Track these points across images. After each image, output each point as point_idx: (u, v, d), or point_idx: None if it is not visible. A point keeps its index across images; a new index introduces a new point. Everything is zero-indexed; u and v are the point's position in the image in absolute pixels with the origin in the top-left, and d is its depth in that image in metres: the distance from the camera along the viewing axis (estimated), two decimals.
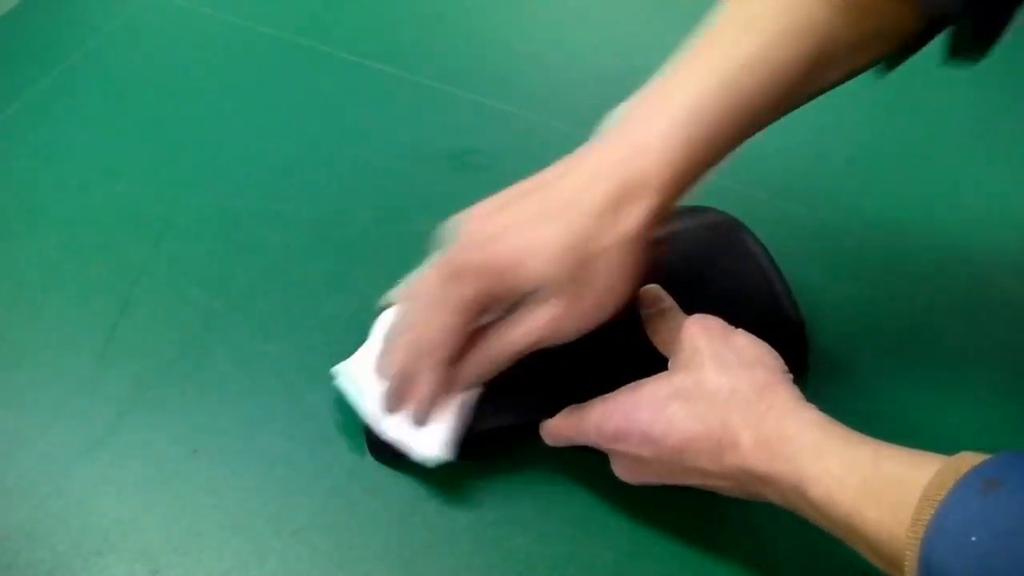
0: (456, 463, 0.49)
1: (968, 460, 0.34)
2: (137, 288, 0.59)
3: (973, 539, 0.31)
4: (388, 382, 0.48)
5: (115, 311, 0.58)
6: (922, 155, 0.69)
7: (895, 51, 0.45)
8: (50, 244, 0.61)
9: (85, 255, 0.61)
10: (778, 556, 0.48)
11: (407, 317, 0.48)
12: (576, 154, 0.45)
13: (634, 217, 0.42)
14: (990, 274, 0.61)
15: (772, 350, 0.44)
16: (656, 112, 0.43)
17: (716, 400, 0.41)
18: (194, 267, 0.60)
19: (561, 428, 0.47)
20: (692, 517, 0.49)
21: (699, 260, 0.55)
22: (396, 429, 0.49)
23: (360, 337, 0.55)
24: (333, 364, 0.52)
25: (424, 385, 0.47)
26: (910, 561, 0.33)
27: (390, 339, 0.49)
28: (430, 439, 0.48)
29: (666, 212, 0.43)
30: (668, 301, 0.48)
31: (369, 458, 0.51)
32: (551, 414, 0.48)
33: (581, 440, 0.46)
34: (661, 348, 0.47)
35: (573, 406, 0.47)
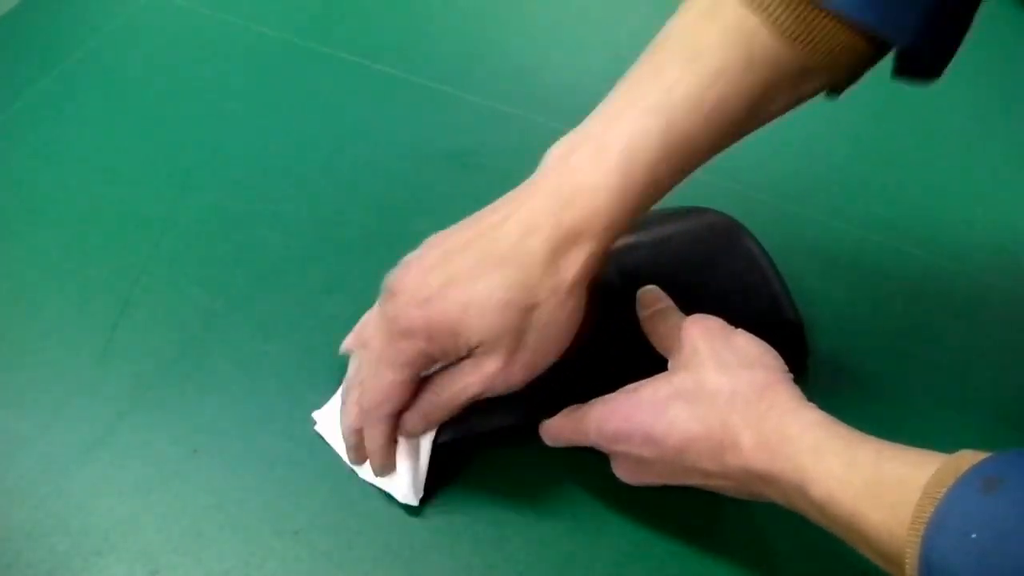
0: (456, 464, 0.49)
1: (968, 458, 0.34)
2: (137, 288, 0.59)
3: (973, 537, 0.31)
4: (344, 435, 0.50)
5: (115, 311, 0.58)
6: (921, 156, 0.69)
7: (841, 78, 0.43)
8: (50, 244, 0.61)
9: (85, 255, 0.61)
10: (778, 556, 0.48)
11: (358, 371, 0.49)
12: (514, 196, 0.44)
13: (573, 265, 0.42)
14: (989, 274, 0.61)
15: (772, 350, 0.44)
16: (594, 154, 0.42)
17: (717, 400, 0.41)
18: (194, 267, 0.60)
19: (561, 429, 0.47)
20: (692, 517, 0.49)
21: (698, 261, 0.55)
22: (370, 475, 0.50)
23: None
24: (333, 364, 0.52)
25: (373, 440, 0.48)
26: (911, 559, 0.33)
27: (345, 392, 0.50)
28: (398, 484, 0.49)
29: (605, 254, 0.43)
30: (666, 301, 0.48)
31: None
32: (551, 414, 0.48)
33: (581, 441, 0.46)
34: (660, 349, 0.47)
35: (573, 407, 0.47)
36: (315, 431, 0.52)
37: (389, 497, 0.50)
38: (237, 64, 0.75)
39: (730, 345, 0.44)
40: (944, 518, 0.32)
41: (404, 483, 0.49)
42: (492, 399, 0.47)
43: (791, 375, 0.43)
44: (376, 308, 0.48)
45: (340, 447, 0.51)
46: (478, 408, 0.46)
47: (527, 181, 0.44)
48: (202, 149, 0.68)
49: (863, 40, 0.41)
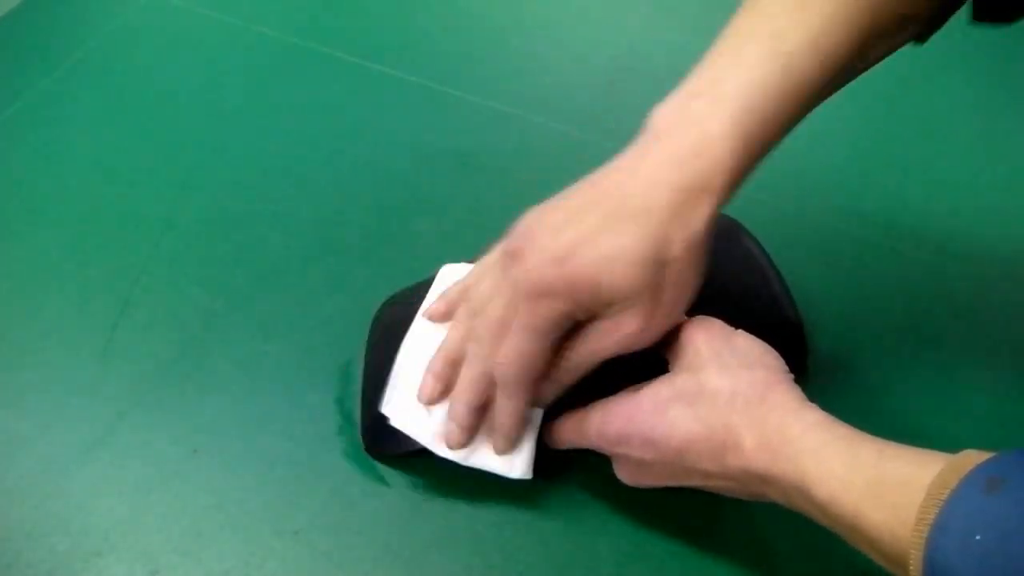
0: (456, 465, 0.49)
1: (971, 459, 0.34)
2: (137, 288, 0.59)
3: (977, 538, 0.31)
4: (458, 415, 0.47)
5: (115, 311, 0.58)
6: (921, 155, 0.69)
7: (930, 23, 0.45)
8: (50, 244, 0.61)
9: (85, 255, 0.61)
10: (779, 556, 0.48)
11: (478, 340, 0.45)
12: (632, 153, 0.43)
13: (700, 219, 0.41)
14: (989, 274, 0.61)
15: (773, 351, 0.44)
16: (711, 106, 0.41)
17: (718, 402, 0.41)
18: (194, 267, 0.60)
19: (563, 432, 0.47)
20: (692, 517, 0.49)
21: None
22: (475, 457, 0.47)
23: (359, 336, 0.55)
24: (333, 364, 0.52)
25: (511, 414, 0.46)
26: (915, 561, 0.33)
27: (445, 364, 0.47)
28: (518, 461, 0.47)
29: (724, 208, 0.43)
30: None
31: (369, 458, 0.51)
32: (552, 416, 0.48)
33: (583, 443, 0.46)
34: (660, 350, 0.47)
35: (575, 409, 0.47)
36: (391, 426, 0.48)
37: (389, 497, 0.49)
38: (237, 64, 0.75)
39: (731, 346, 0.44)
40: (948, 519, 0.32)
41: (524, 458, 0.47)
42: None
43: (792, 376, 0.43)
44: (480, 275, 0.47)
45: (425, 435, 0.48)
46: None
47: (639, 140, 0.43)
48: (202, 149, 0.68)
49: None
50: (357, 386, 0.53)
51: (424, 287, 0.52)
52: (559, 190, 0.44)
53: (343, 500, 0.50)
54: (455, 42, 0.78)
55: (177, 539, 0.48)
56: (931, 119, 0.72)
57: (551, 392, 0.45)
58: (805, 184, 0.66)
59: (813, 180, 0.67)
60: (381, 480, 0.50)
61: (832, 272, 0.61)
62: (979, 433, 0.53)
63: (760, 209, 0.63)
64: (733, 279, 0.54)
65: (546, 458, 0.48)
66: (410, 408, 0.48)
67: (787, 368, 0.43)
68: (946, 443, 0.36)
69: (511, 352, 0.43)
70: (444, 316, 0.50)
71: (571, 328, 0.43)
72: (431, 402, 0.48)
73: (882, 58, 0.45)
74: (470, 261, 0.51)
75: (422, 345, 0.49)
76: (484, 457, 0.47)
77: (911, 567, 0.33)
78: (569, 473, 0.50)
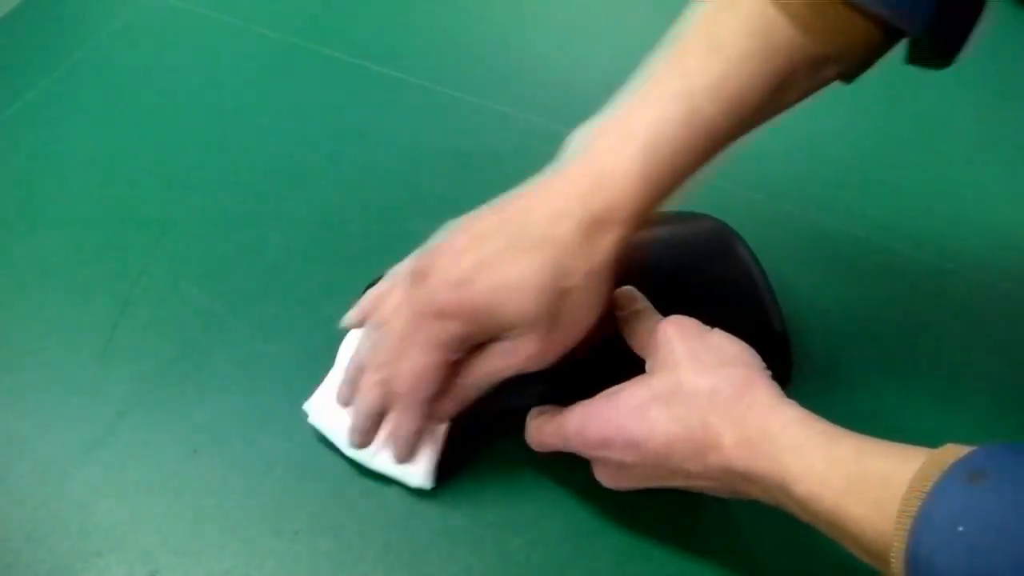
0: (455, 466, 0.49)
1: (953, 452, 0.34)
2: (137, 288, 0.59)
3: (960, 530, 0.31)
4: (356, 418, 0.49)
5: (115, 311, 0.58)
6: (920, 156, 0.69)
7: (856, 65, 0.44)
8: (50, 244, 0.61)
9: (85, 255, 0.61)
10: (763, 553, 0.48)
11: (378, 351, 0.47)
12: (539, 182, 0.45)
13: (601, 251, 0.42)
14: (988, 277, 0.61)
15: (749, 348, 0.44)
16: (619, 140, 0.43)
17: (696, 401, 0.41)
18: (194, 267, 0.60)
19: (543, 436, 0.47)
20: (692, 518, 0.49)
21: (689, 266, 0.54)
22: (377, 460, 0.49)
23: None
24: (333, 364, 0.52)
25: (404, 425, 0.47)
26: (896, 554, 0.33)
27: (356, 370, 0.49)
28: (415, 470, 0.49)
29: (631, 239, 0.43)
30: (643, 302, 0.48)
31: None
32: (526, 408, 0.48)
33: (565, 448, 0.46)
34: (637, 350, 0.47)
35: (553, 411, 0.47)
36: (309, 423, 0.51)
37: (389, 497, 0.50)
38: (237, 64, 0.75)
39: (706, 344, 0.44)
40: (931, 513, 0.32)
41: (421, 468, 0.48)
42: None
43: (769, 372, 0.43)
44: (391, 287, 0.48)
45: (339, 436, 0.50)
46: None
47: (551, 167, 0.45)
48: (202, 149, 0.68)
49: (877, 29, 0.42)
50: None
51: None
52: None
53: (343, 500, 0.50)
54: (455, 42, 0.78)
55: (177, 539, 0.48)
56: (930, 120, 0.72)
57: (450, 408, 0.47)
58: (803, 184, 0.66)
59: (811, 181, 0.67)
60: (381, 480, 0.50)
61: (830, 272, 0.61)
62: (976, 433, 0.52)
63: (760, 210, 0.63)
64: (723, 286, 0.54)
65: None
66: (328, 408, 0.51)
67: (764, 365, 0.43)
68: (942, 443, 0.36)
69: (406, 368, 0.45)
70: (359, 324, 0.51)
71: (473, 346, 0.45)
72: (345, 404, 0.50)
73: (804, 97, 0.44)
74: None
75: (352, 349, 0.51)
76: (386, 462, 0.49)
77: (893, 560, 0.33)
78: (569, 473, 0.51)
